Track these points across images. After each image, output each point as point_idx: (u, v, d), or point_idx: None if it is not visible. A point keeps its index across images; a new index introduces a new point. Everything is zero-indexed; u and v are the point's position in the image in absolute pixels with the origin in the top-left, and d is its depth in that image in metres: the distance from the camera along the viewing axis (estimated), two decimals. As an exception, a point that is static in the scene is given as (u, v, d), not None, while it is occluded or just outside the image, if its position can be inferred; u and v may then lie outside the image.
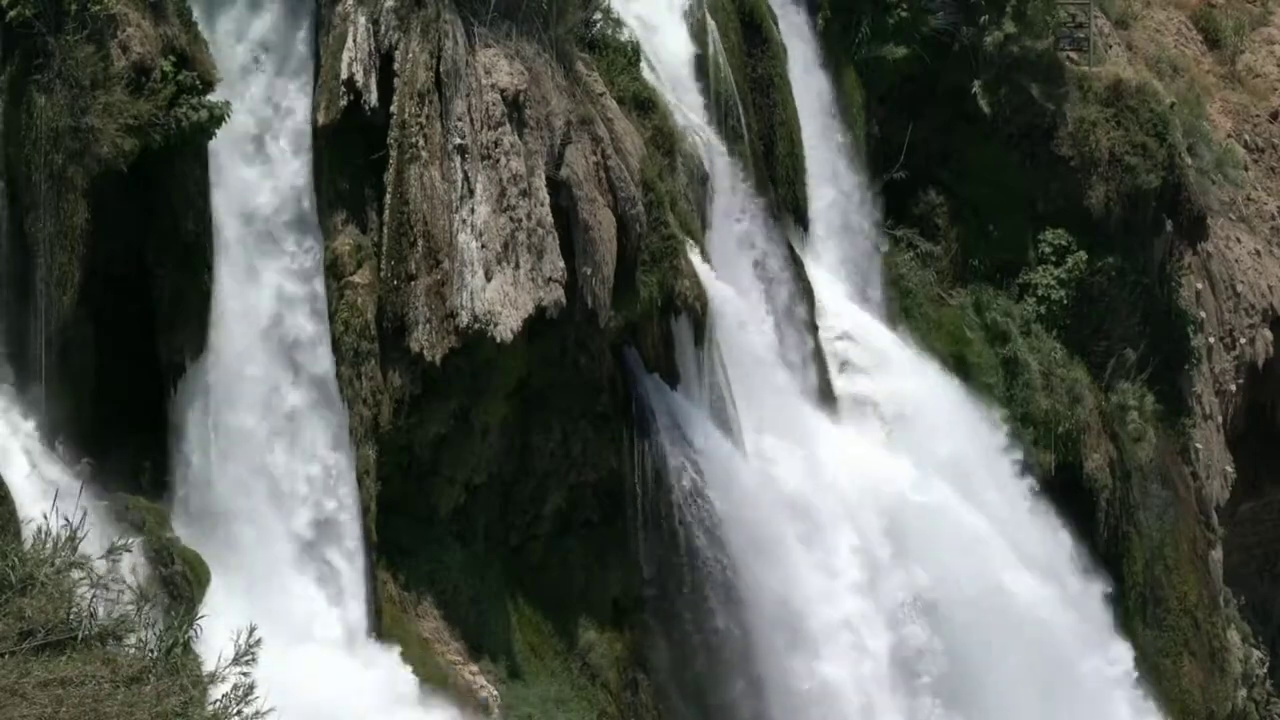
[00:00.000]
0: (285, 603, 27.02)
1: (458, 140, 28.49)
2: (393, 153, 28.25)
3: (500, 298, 28.32)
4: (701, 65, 35.12)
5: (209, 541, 26.35)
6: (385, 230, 28.24)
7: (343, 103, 27.96)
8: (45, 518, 13.98)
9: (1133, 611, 41.28)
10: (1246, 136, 49.85)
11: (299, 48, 27.98)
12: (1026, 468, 39.17)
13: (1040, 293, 41.26)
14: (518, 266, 28.62)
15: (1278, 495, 49.72)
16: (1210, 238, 45.50)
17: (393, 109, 28.35)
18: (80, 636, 12.71)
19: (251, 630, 12.65)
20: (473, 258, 28.25)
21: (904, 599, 34.19)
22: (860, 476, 35.06)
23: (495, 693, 28.98)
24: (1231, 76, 51.24)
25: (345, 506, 27.82)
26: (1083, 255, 41.39)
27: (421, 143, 28.27)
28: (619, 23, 32.90)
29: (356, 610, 27.79)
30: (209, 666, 12.64)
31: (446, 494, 29.61)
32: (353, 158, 28.49)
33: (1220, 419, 46.06)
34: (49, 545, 13.30)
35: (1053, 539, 38.79)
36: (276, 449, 27.46)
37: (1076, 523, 39.55)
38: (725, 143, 34.96)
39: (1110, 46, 45.47)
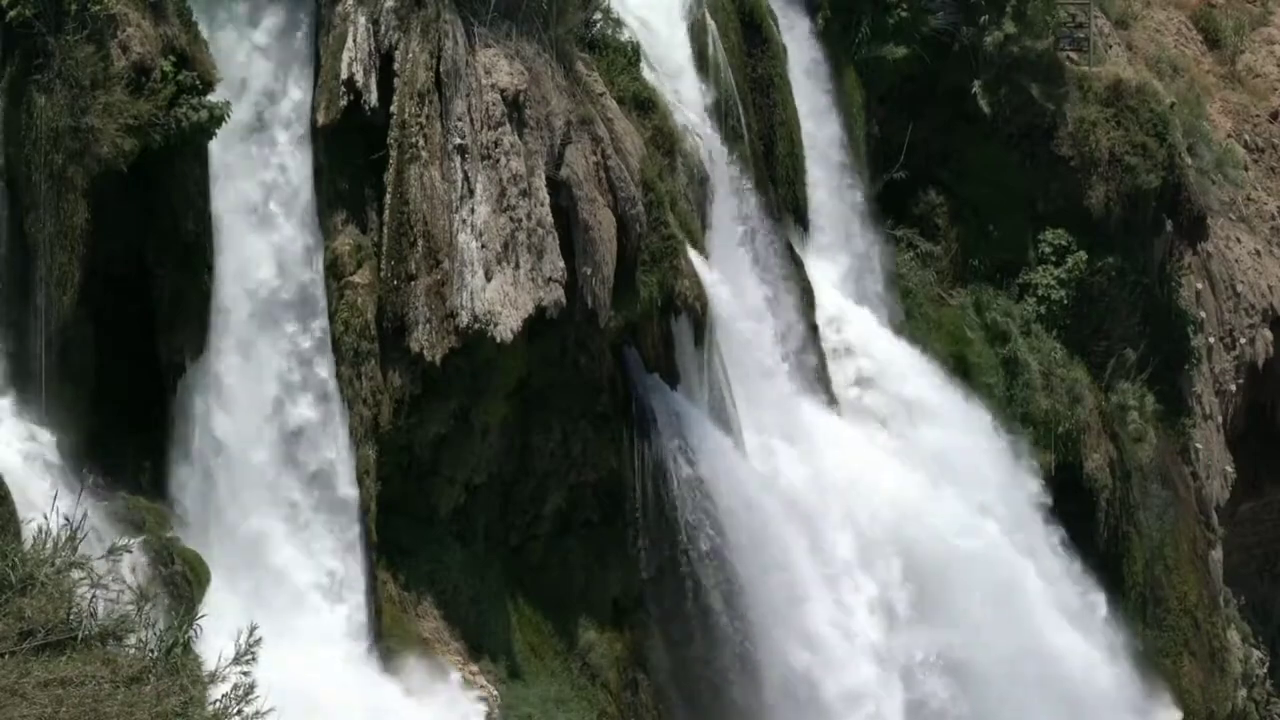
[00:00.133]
0: (285, 602, 27.04)
1: (458, 140, 28.49)
2: (393, 153, 28.25)
3: (500, 298, 28.31)
4: (701, 65, 35.11)
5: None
6: (385, 230, 28.24)
7: (343, 103, 27.96)
8: (45, 518, 13.98)
9: (1133, 611, 41.29)
10: (1246, 136, 49.85)
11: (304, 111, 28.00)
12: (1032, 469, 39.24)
13: (1040, 293, 41.27)
14: (518, 266, 28.61)
15: (1278, 495, 49.72)
16: (1210, 238, 45.50)
17: (393, 109, 28.35)
18: (80, 636, 12.70)
19: (252, 629, 12.64)
20: (473, 258, 28.25)
21: (897, 575, 34.31)
22: (860, 475, 35.08)
23: (495, 693, 28.97)
24: (1231, 76, 51.24)
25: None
26: (1083, 255, 41.39)
27: (421, 143, 28.27)
28: (619, 23, 32.90)
29: (356, 610, 27.79)
30: (209, 666, 12.63)
31: (446, 494, 29.61)
32: (353, 158, 28.49)
33: (1220, 419, 46.06)
34: (49, 545, 13.30)
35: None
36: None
37: (1076, 523, 39.55)
38: (725, 143, 34.96)
39: (1110, 46, 45.47)
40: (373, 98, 28.07)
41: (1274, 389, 48.26)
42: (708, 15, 35.26)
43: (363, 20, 28.20)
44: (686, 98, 34.61)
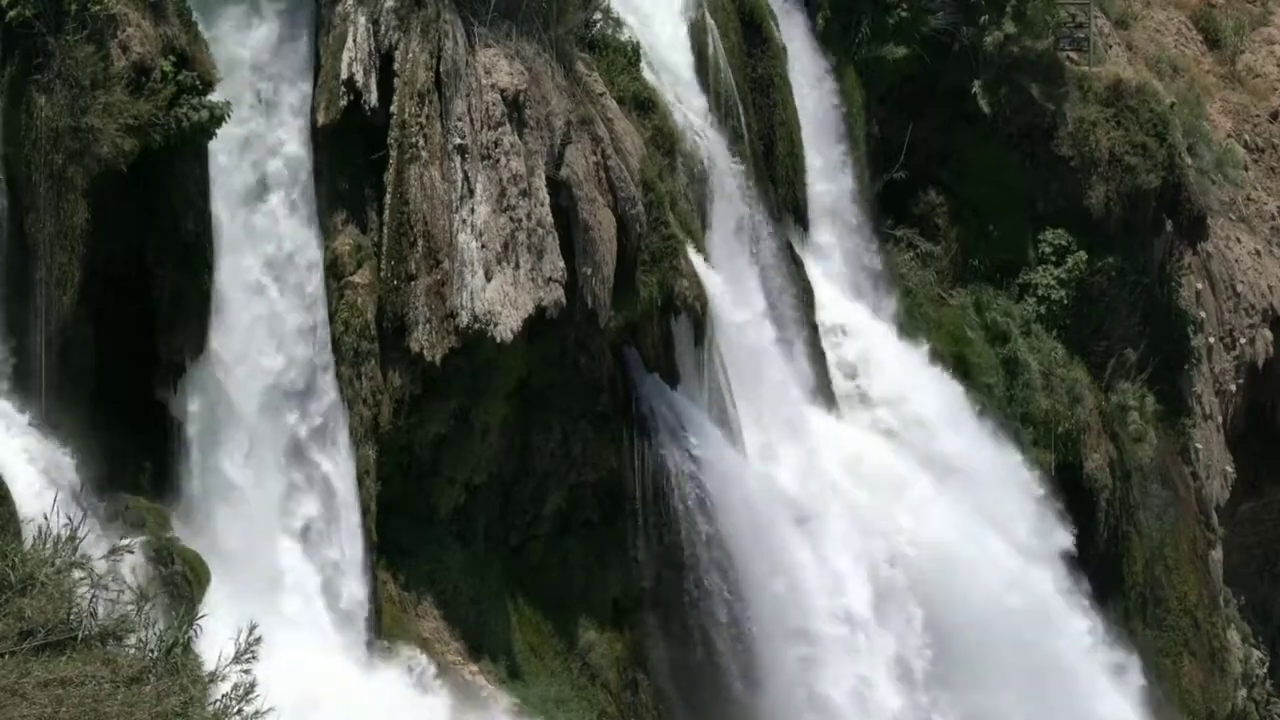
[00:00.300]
0: (285, 602, 27.05)
1: (458, 140, 28.49)
2: (393, 153, 28.25)
3: (500, 298, 28.31)
4: (701, 65, 35.12)
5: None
6: (385, 230, 28.24)
7: (343, 103, 27.97)
8: (45, 518, 13.98)
9: (1133, 611, 41.29)
10: (1246, 136, 49.86)
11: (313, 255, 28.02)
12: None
13: (1040, 293, 41.27)
14: (518, 266, 28.61)
15: (1278, 495, 49.74)
16: (1210, 238, 45.52)
17: (393, 109, 28.35)
18: (80, 636, 12.70)
19: (252, 629, 12.64)
20: (473, 258, 28.25)
21: (890, 553, 34.25)
22: (859, 475, 35.08)
23: (496, 692, 28.96)
24: (1231, 76, 51.25)
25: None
26: (1083, 255, 41.41)
27: (421, 143, 28.27)
28: (619, 23, 32.90)
29: (356, 610, 27.80)
30: (209, 666, 12.63)
31: (446, 494, 29.60)
32: (353, 158, 28.49)
33: (1220, 419, 46.07)
34: (49, 545, 13.30)
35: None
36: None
37: (1076, 523, 39.54)
38: (725, 143, 34.97)
39: (1110, 46, 45.48)
40: (373, 98, 28.07)
41: (1274, 389, 48.27)
42: (708, 15, 35.27)
43: (363, 20, 28.20)
44: (686, 98, 34.61)
